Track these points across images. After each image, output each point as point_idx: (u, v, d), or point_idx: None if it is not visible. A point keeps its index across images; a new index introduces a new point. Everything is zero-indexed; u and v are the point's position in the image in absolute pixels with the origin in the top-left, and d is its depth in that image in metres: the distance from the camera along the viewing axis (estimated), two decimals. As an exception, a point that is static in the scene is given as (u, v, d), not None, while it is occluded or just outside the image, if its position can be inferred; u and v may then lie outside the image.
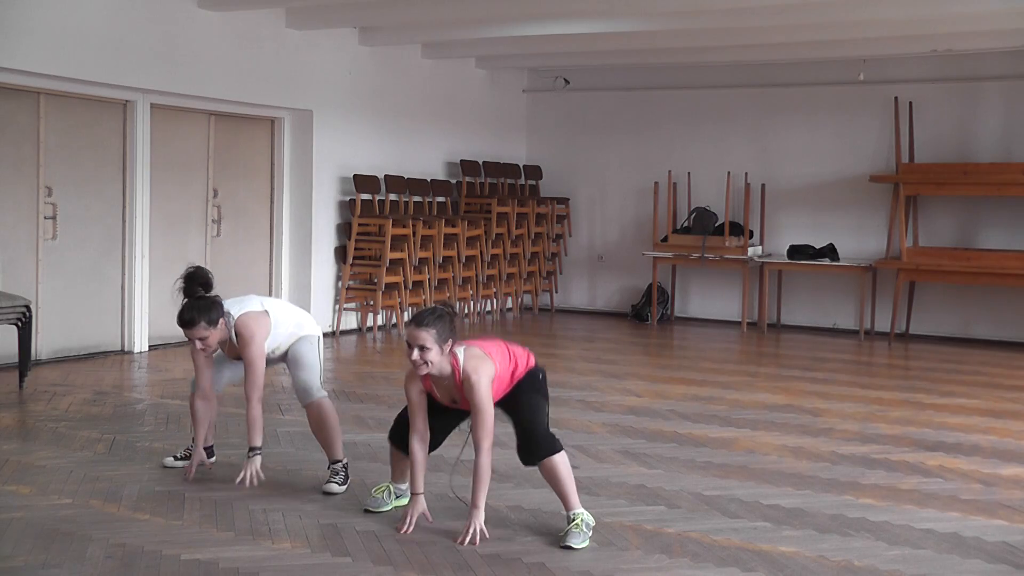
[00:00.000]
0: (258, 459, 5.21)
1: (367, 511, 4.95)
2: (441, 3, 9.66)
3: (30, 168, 8.63)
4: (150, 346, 9.52)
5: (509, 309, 13.23)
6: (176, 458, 5.73)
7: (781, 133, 12.54)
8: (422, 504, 4.68)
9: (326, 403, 5.41)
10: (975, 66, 11.44)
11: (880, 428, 7.01)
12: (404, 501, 5.00)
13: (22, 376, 7.63)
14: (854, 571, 4.33)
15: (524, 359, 4.76)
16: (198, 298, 5.18)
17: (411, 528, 4.64)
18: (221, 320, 5.16)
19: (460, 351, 4.55)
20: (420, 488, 4.69)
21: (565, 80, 13.58)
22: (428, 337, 4.44)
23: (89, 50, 8.51)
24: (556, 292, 13.66)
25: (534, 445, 4.61)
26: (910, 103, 11.70)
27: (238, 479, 5.14)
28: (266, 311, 5.34)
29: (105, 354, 9.21)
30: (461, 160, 12.63)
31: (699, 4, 9.25)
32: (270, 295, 10.80)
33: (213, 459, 5.77)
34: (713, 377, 8.89)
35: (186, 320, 5.12)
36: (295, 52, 10.39)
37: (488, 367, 4.54)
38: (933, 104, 11.69)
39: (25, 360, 7.61)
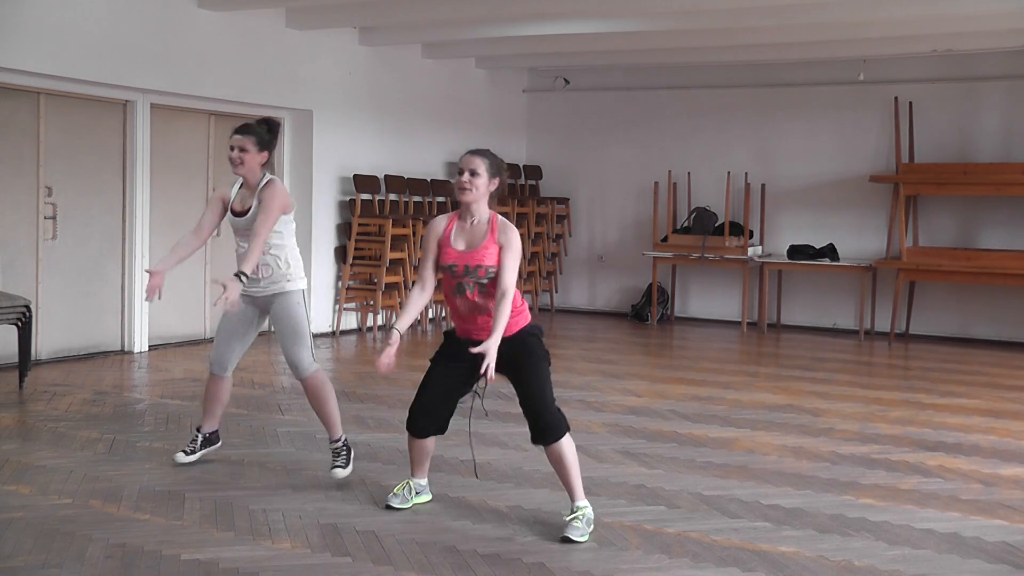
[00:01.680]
0: (239, 284, 5.10)
1: (388, 507, 4.96)
2: (441, 3, 9.66)
3: (30, 168, 8.63)
4: (150, 346, 9.52)
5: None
6: (186, 453, 5.74)
7: (781, 133, 12.54)
8: (396, 337, 4.65)
9: (320, 377, 5.41)
10: (975, 66, 11.44)
11: (880, 428, 7.01)
12: (424, 498, 5.07)
13: (22, 376, 7.62)
14: (854, 571, 4.33)
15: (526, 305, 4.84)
16: (261, 125, 5.42)
17: (386, 360, 4.61)
18: (266, 154, 5.34)
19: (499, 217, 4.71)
20: (401, 328, 4.71)
21: (565, 80, 13.58)
22: (481, 164, 4.64)
23: (89, 50, 8.51)
24: (556, 292, 13.66)
25: (544, 426, 4.62)
26: (910, 103, 11.70)
27: (218, 303, 5.07)
28: (294, 204, 5.48)
29: (105, 354, 9.20)
30: (461, 160, 12.62)
31: (699, 4, 9.25)
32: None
33: (219, 444, 5.83)
34: (713, 377, 8.89)
35: (243, 127, 5.32)
36: (295, 52, 10.39)
37: (512, 246, 4.63)
38: (933, 104, 11.69)
39: (25, 360, 7.61)
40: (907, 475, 5.83)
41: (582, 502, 4.68)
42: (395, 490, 5.04)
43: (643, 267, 12.91)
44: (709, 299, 12.97)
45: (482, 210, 4.70)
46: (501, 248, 4.64)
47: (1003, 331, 11.49)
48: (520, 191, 13.37)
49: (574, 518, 4.62)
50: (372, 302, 10.92)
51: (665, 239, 12.56)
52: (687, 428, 6.88)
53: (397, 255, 10.80)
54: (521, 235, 12.76)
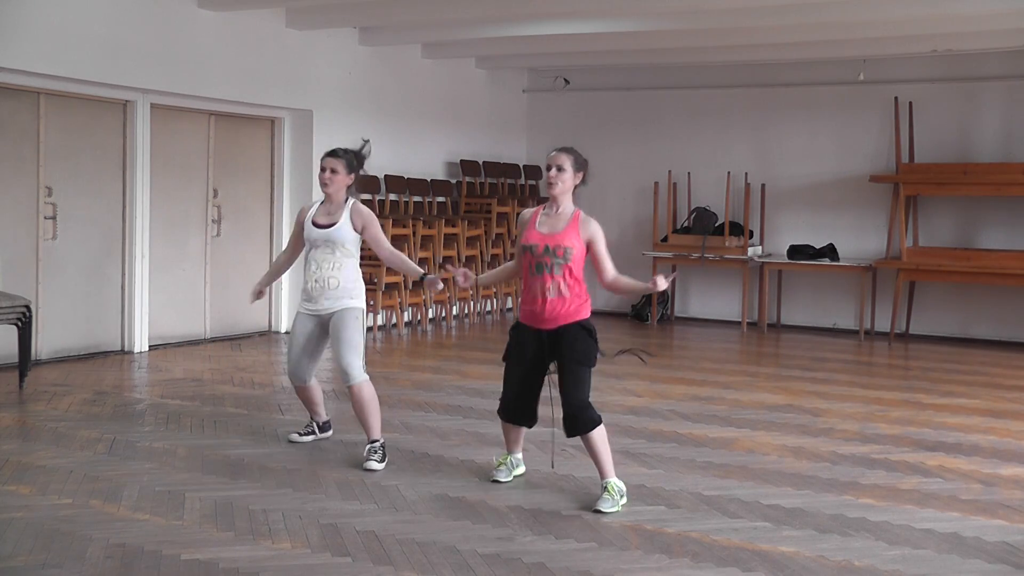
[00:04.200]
0: (433, 280, 5.87)
1: (495, 481, 5.41)
2: (441, 3, 9.66)
3: (30, 168, 8.63)
4: (150, 346, 9.51)
5: (509, 309, 13.23)
6: (300, 434, 6.28)
7: (781, 133, 12.54)
8: (472, 275, 5.48)
9: (367, 387, 5.79)
10: (975, 66, 11.44)
11: (880, 428, 7.00)
12: (522, 470, 5.55)
13: (22, 376, 7.62)
14: (854, 571, 4.33)
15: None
16: (348, 150, 6.00)
17: (463, 276, 5.44)
18: (352, 176, 5.87)
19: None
20: (482, 277, 5.79)
21: (565, 80, 13.59)
22: (567, 160, 5.19)
23: (89, 50, 8.51)
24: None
25: (574, 419, 5.06)
26: (910, 103, 11.70)
27: (439, 287, 5.89)
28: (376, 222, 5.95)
29: (105, 354, 9.20)
30: (461, 160, 12.63)
31: (699, 4, 9.25)
32: (270, 295, 10.82)
33: (331, 432, 6.35)
34: (713, 377, 8.89)
35: (334, 150, 5.94)
36: (295, 52, 10.39)
37: (600, 239, 5.24)
38: (933, 104, 11.69)
39: (25, 360, 7.61)
40: (907, 475, 5.83)
41: (610, 478, 5.08)
42: (497, 465, 5.52)
43: (643, 267, 12.90)
44: (709, 299, 12.98)
45: (567, 202, 5.23)
46: (589, 243, 5.19)
47: (1003, 331, 11.49)
48: (520, 191, 13.36)
49: (605, 492, 5.04)
50: (372, 302, 10.92)
51: (665, 239, 12.56)
52: (687, 428, 6.88)
53: (397, 255, 10.79)
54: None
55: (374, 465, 5.68)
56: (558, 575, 4.21)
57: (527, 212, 5.36)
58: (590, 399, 5.11)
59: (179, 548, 4.40)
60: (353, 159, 5.93)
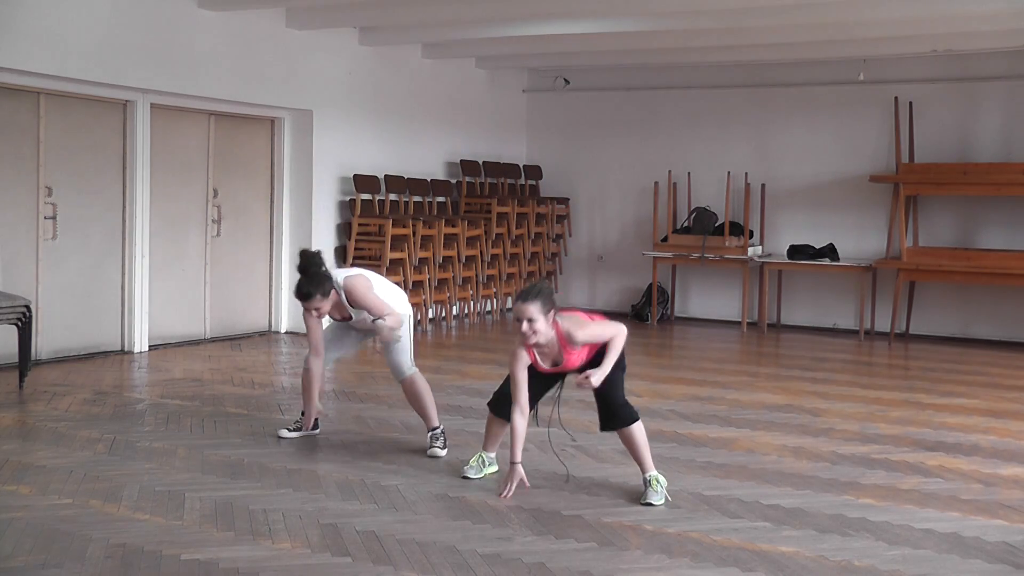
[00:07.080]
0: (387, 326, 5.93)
1: (464, 478, 5.47)
2: (441, 3, 9.66)
3: (30, 168, 8.63)
4: (150, 346, 9.51)
5: (509, 309, 13.23)
6: (290, 430, 6.34)
7: (781, 133, 12.54)
8: (520, 472, 5.16)
9: (418, 378, 6.04)
10: (975, 66, 11.44)
11: (880, 428, 7.00)
12: (493, 469, 5.56)
13: (22, 376, 7.62)
14: (854, 571, 4.33)
15: None
16: (312, 274, 5.77)
17: (510, 494, 5.13)
18: (332, 292, 5.80)
19: (560, 319, 5.13)
20: (518, 458, 5.14)
21: (565, 80, 13.58)
22: (535, 310, 5.00)
23: (89, 50, 8.51)
24: (556, 292, 13.64)
25: (612, 416, 5.24)
26: (910, 103, 11.70)
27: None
28: (365, 275, 5.97)
29: (105, 354, 9.20)
30: (461, 160, 12.63)
31: (699, 4, 9.25)
32: (270, 295, 10.82)
33: (318, 431, 6.38)
34: (713, 377, 8.89)
35: (304, 294, 5.76)
36: (295, 52, 10.39)
37: (583, 326, 5.14)
38: (933, 104, 11.69)
39: (25, 360, 7.60)
40: (907, 475, 5.83)
41: (652, 472, 5.20)
42: (470, 462, 5.56)
43: (643, 267, 12.91)
44: (709, 299, 12.97)
45: (549, 335, 5.09)
46: (588, 341, 5.11)
47: (1003, 331, 11.49)
48: (520, 191, 13.37)
49: (651, 486, 5.15)
50: (372, 302, 10.90)
51: (665, 239, 12.56)
52: (687, 428, 6.88)
53: (397, 255, 10.80)
54: (521, 235, 12.85)
55: (438, 452, 5.91)
56: (558, 575, 4.21)
57: (523, 353, 5.12)
58: (627, 398, 5.32)
59: (179, 548, 4.40)
60: (322, 283, 5.75)
